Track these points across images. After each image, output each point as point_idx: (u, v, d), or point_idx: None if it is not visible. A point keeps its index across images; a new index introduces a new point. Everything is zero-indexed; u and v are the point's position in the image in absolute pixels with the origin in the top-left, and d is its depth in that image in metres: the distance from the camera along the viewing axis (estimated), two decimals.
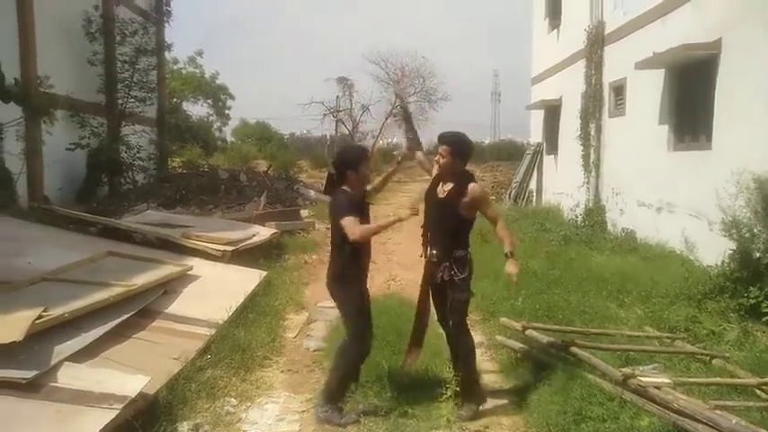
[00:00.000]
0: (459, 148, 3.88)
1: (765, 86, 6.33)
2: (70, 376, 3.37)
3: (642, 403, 3.44)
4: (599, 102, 11.33)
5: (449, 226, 3.85)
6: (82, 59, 11.41)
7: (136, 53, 12.52)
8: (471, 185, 3.82)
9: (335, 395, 3.80)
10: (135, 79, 12.62)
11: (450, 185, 3.88)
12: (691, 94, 8.12)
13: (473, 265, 3.91)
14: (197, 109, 33.32)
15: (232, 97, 36.10)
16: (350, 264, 3.79)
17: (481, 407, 3.90)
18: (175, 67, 30.24)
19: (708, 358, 4.36)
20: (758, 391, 3.75)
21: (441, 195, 3.92)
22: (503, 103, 71.20)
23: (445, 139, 3.92)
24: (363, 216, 3.84)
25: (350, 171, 3.84)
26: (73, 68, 11.22)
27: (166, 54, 17.39)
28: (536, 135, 16.28)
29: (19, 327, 3.52)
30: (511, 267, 3.80)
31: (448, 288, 3.83)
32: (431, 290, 3.96)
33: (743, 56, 6.79)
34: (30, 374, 3.23)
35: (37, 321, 3.70)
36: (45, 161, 9.73)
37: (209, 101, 34.62)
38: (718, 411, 3.11)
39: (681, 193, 8.01)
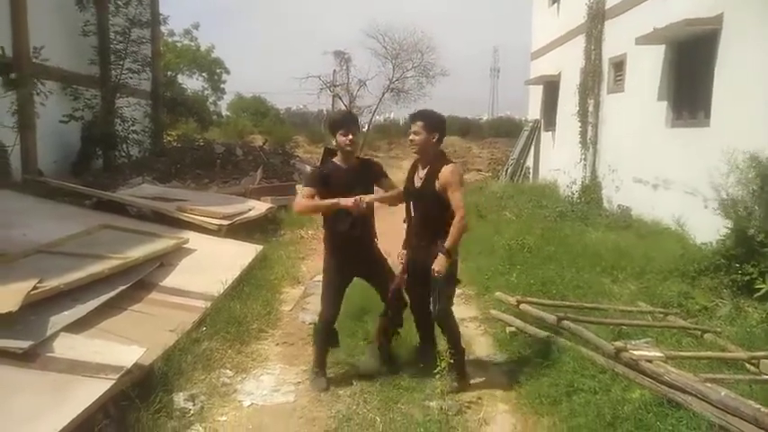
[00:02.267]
0: (432, 121, 3.75)
1: (766, 63, 6.27)
2: (66, 347, 3.39)
3: (634, 376, 3.48)
4: (598, 77, 11.25)
5: (431, 216, 3.72)
6: (75, 30, 11.22)
7: (129, 24, 12.32)
8: (444, 167, 3.67)
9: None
10: (129, 51, 12.44)
11: (425, 171, 3.76)
12: (690, 71, 8.06)
13: (457, 255, 3.83)
14: (192, 83, 32.93)
15: (227, 71, 35.64)
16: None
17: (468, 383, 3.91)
18: (170, 40, 29.79)
19: (700, 333, 4.41)
20: (748, 365, 3.80)
21: (417, 185, 3.80)
22: (501, 79, 70.59)
23: (418, 115, 3.81)
24: (338, 191, 3.75)
25: (332, 137, 3.88)
26: (66, 39, 11.03)
27: (162, 27, 17.14)
28: (534, 111, 16.19)
29: (14, 297, 3.53)
30: (438, 264, 3.59)
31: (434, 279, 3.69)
32: (411, 278, 3.88)
33: (744, 32, 6.72)
34: (26, 344, 3.24)
35: (32, 292, 3.71)
36: (39, 134, 9.63)
37: (204, 74, 34.18)
38: (708, 384, 3.16)
39: (677, 170, 7.99)
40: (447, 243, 3.60)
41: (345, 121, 3.98)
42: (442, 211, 3.68)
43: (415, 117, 3.81)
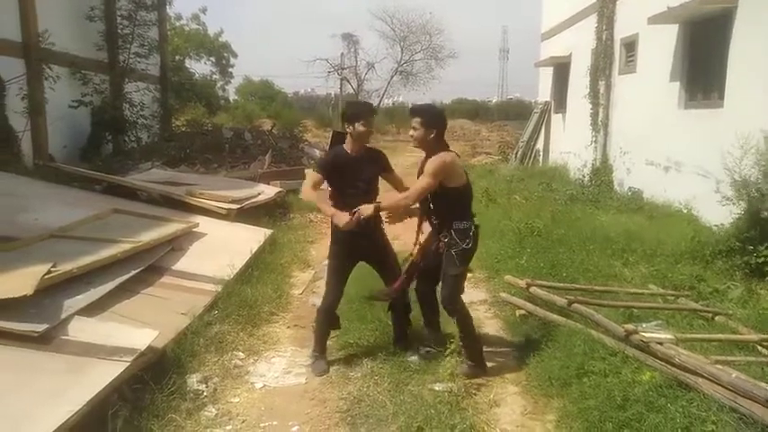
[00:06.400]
0: (429, 117, 3.77)
1: None
2: (80, 330, 3.42)
3: (644, 358, 3.47)
4: (609, 58, 11.10)
5: (436, 200, 3.77)
6: (82, 15, 11.21)
7: (135, 7, 12.28)
8: (432, 157, 3.70)
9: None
10: (135, 34, 12.42)
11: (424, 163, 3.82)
12: (704, 51, 7.92)
13: (477, 239, 3.79)
14: (200, 67, 32.90)
15: (234, 55, 35.55)
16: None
17: (480, 369, 3.87)
18: (178, 24, 29.69)
19: (711, 315, 4.38)
20: (759, 347, 3.78)
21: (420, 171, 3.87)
22: (511, 60, 69.93)
23: (416, 110, 3.85)
24: (345, 177, 3.84)
25: (347, 125, 3.90)
26: (73, 24, 11.03)
27: (168, 10, 17.07)
28: (544, 93, 16.02)
29: (29, 281, 3.56)
30: (363, 208, 3.67)
31: (443, 260, 3.76)
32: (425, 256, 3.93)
33: (759, 10, 6.58)
34: (41, 328, 3.28)
35: (46, 276, 3.73)
36: (48, 119, 9.67)
37: (211, 58, 34.09)
38: (718, 366, 3.14)
39: (689, 152, 7.90)
40: (383, 203, 3.75)
41: (367, 111, 4.00)
42: (442, 198, 3.71)
43: (413, 113, 3.84)
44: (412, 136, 3.79)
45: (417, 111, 3.83)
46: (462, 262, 3.74)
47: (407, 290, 4.08)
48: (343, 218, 3.69)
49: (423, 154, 3.85)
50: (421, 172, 3.77)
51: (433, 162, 3.66)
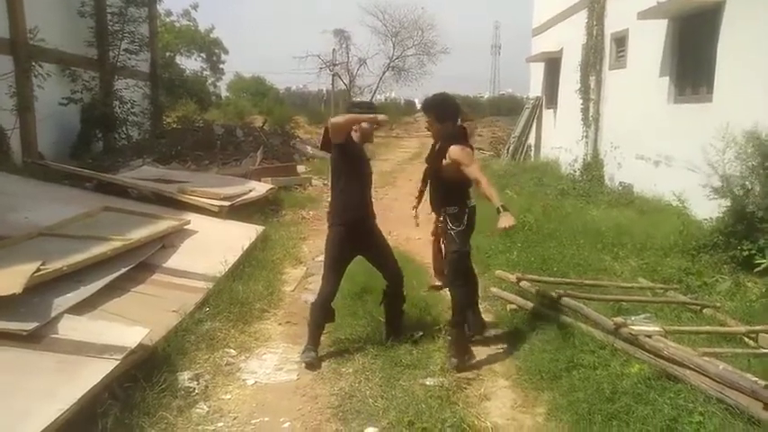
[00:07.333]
0: (440, 112, 3.96)
1: None
2: (70, 328, 3.41)
3: (633, 351, 3.51)
4: (600, 54, 11.14)
5: (438, 184, 3.97)
6: (72, 11, 11.13)
7: (125, 2, 12.19)
8: (451, 148, 3.83)
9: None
10: (126, 30, 12.33)
11: (436, 147, 4.00)
12: (693, 45, 7.97)
13: (472, 218, 3.97)
14: (190, 63, 32.64)
15: (226, 51, 35.33)
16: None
17: (467, 360, 3.90)
18: (168, 20, 29.47)
19: (699, 308, 4.44)
20: (746, 339, 3.83)
21: (429, 155, 4.09)
22: (503, 56, 70.00)
23: (425, 108, 4.11)
24: (355, 163, 4.00)
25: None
26: (62, 20, 10.94)
27: (158, 6, 16.97)
28: (535, 89, 16.06)
29: (17, 280, 3.54)
30: (504, 221, 3.66)
31: (444, 240, 3.99)
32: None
33: (748, 5, 6.62)
34: (30, 326, 3.27)
35: (36, 274, 3.72)
36: (38, 116, 9.60)
37: (202, 55, 33.85)
38: (706, 358, 3.18)
39: (679, 147, 7.94)
40: (496, 202, 3.72)
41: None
42: (446, 183, 3.90)
43: (425, 109, 4.08)
44: (428, 129, 4.03)
45: (427, 108, 4.07)
46: (461, 239, 3.88)
47: (403, 279, 4.19)
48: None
49: (411, 149, 3.96)
50: (433, 155, 3.99)
51: (460, 154, 3.78)
